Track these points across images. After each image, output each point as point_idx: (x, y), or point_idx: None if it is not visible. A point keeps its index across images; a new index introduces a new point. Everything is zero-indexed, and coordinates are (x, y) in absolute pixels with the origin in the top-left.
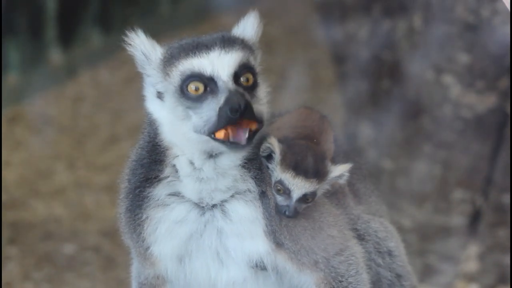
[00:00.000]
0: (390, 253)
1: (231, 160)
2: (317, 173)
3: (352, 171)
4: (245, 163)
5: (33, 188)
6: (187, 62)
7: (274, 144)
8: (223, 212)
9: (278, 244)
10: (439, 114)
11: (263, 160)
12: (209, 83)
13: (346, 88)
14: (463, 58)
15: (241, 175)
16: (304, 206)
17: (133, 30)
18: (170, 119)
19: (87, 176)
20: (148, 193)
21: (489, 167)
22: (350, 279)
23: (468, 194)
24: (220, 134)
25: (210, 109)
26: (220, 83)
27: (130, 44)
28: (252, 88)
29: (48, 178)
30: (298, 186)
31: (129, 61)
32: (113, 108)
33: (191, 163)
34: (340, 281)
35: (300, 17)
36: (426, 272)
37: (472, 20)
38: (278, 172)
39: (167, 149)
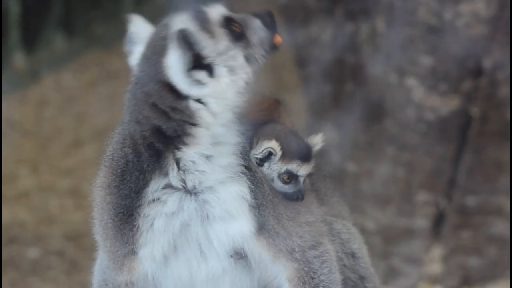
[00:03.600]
0: (353, 255)
1: (238, 134)
2: (311, 151)
3: (313, 172)
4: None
5: None
6: (219, 12)
7: (275, 147)
8: (213, 192)
9: (260, 225)
10: (402, 117)
11: (255, 161)
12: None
13: (309, 91)
14: (426, 60)
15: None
16: None
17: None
18: (229, 81)
19: (51, 180)
20: (144, 192)
21: (452, 169)
22: (322, 277)
23: (431, 196)
24: (278, 39)
25: (258, 33)
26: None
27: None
28: None
29: (11, 182)
30: (305, 169)
31: (93, 64)
32: (76, 111)
33: (214, 140)
34: (312, 278)
35: None
36: (390, 274)
37: (435, 22)
38: (282, 165)
39: (187, 136)
